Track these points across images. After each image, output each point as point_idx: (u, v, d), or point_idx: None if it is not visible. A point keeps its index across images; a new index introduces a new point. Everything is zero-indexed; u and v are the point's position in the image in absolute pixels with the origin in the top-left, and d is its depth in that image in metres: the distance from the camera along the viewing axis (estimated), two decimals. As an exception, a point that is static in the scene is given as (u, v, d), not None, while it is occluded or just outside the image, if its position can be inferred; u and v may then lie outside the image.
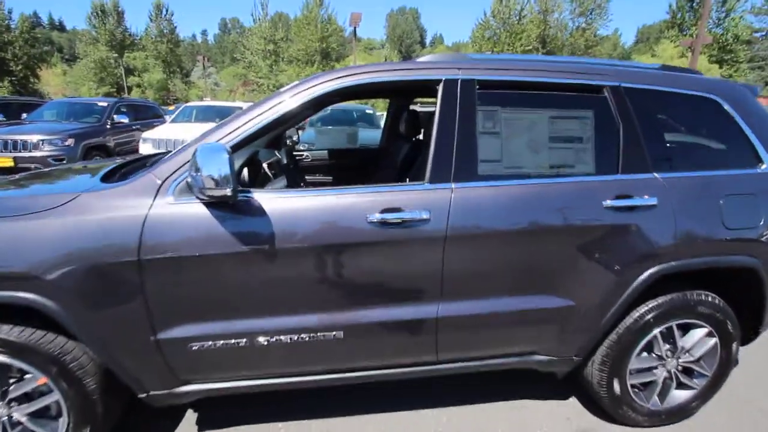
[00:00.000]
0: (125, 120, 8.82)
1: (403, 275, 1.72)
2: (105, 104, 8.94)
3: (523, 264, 1.80)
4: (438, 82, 1.78)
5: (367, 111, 9.68)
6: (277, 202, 1.64)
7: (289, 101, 1.71)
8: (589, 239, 1.82)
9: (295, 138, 3.84)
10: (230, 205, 1.60)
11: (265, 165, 2.41)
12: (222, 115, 8.75)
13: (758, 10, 30.11)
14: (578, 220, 1.80)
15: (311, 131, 6.36)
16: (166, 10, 40.93)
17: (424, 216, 1.67)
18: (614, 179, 1.87)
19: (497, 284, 1.81)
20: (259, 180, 2.30)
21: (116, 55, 40.02)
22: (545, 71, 1.85)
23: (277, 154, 2.38)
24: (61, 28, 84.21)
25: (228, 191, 1.46)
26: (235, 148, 1.69)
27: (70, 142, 7.50)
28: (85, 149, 7.71)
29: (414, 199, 1.70)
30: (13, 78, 35.27)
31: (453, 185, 1.73)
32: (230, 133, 1.66)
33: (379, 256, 1.68)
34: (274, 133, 3.26)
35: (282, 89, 1.77)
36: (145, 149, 7.99)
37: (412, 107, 3.40)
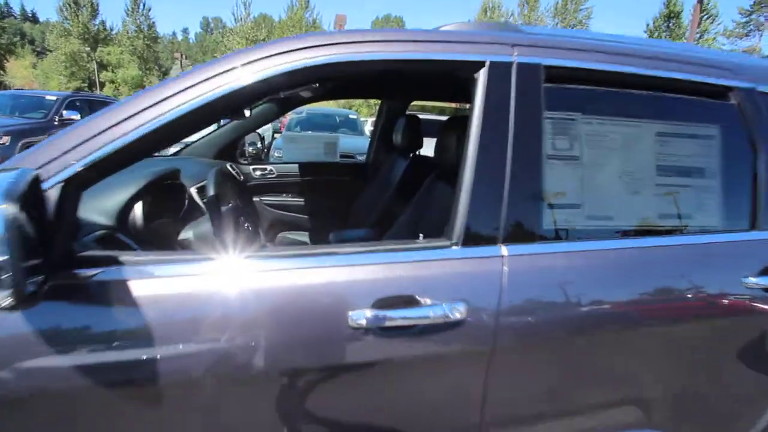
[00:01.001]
0: (76, 117, 7.75)
1: (410, 416, 0.94)
2: (54, 98, 7.87)
3: (612, 385, 1.05)
4: (477, 66, 1.01)
5: (351, 116, 8.91)
6: (162, 286, 0.84)
7: (207, 84, 0.91)
8: (720, 339, 1.09)
9: (259, 145, 3.01)
10: (69, 292, 0.79)
11: (193, 190, 1.60)
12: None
13: (730, 32, 30.74)
14: (706, 309, 1.07)
15: (280, 139, 5.46)
16: (143, 5, 39.41)
17: (456, 313, 0.89)
18: (754, 240, 1.14)
19: (568, 420, 1.05)
20: (183, 215, 1.49)
21: (89, 49, 38.40)
22: (648, 59, 1.10)
23: (224, 169, 1.56)
24: (33, 19, 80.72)
25: (6, 297, 0.64)
26: (110, 168, 0.89)
27: (6, 140, 6.48)
28: (23, 148, 6.68)
29: (434, 278, 0.92)
30: (-25, 68, 33.22)
31: (504, 249, 0.96)
32: (89, 140, 0.85)
33: (368, 389, 0.90)
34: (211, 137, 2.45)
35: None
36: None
37: (408, 113, 2.65)
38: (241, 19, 35.93)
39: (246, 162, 2.71)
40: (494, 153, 0.98)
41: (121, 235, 1.08)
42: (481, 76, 1.00)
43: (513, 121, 0.99)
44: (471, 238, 0.96)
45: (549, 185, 1.00)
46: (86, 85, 37.93)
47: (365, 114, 19.45)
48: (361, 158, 5.37)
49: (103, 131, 0.86)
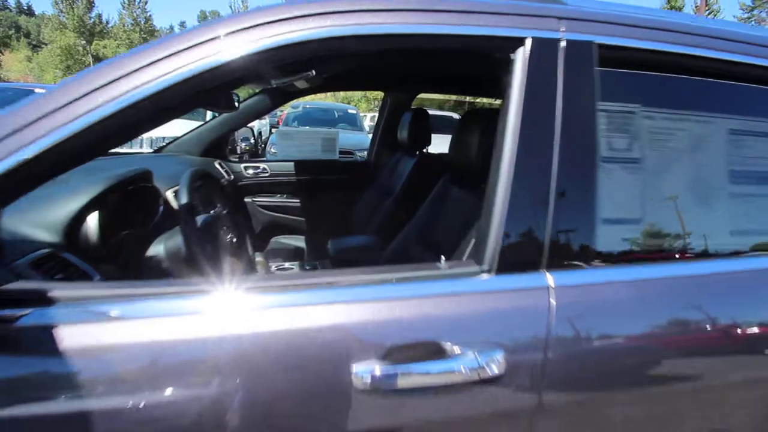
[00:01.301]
0: (66, 110, 7.51)
1: None
2: (43, 91, 7.62)
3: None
4: (515, 43, 0.79)
5: (350, 111, 8.66)
6: (116, 331, 0.63)
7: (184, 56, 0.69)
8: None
9: (251, 141, 2.80)
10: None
11: (169, 194, 1.38)
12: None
13: (736, 27, 30.53)
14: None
15: (275, 135, 5.23)
16: (140, -1, 39.11)
17: (492, 366, 0.68)
18: None
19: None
20: (155, 225, 1.27)
21: (85, 42, 38.09)
22: (728, 41, 0.89)
23: (203, 171, 1.35)
24: (29, 12, 79.87)
25: None
26: (45, 171, 0.68)
27: (-9, 134, 6.22)
28: (10, 143, 6.42)
29: (463, 318, 0.71)
30: (-31, 61, 32.96)
31: (550, 278, 0.75)
32: (13, 135, 0.64)
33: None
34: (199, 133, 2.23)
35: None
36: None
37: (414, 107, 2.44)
38: (238, 11, 35.60)
39: (237, 160, 2.49)
40: (537, 155, 0.77)
41: (68, 254, 0.87)
42: (520, 57, 0.79)
43: (560, 114, 0.78)
44: (507, 264, 0.75)
45: (605, 195, 0.79)
46: (82, 78, 37.54)
47: (364, 109, 19.14)
48: (361, 155, 5.15)
49: (33, 122, 0.65)
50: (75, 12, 36.66)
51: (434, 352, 0.67)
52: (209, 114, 6.21)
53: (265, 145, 6.97)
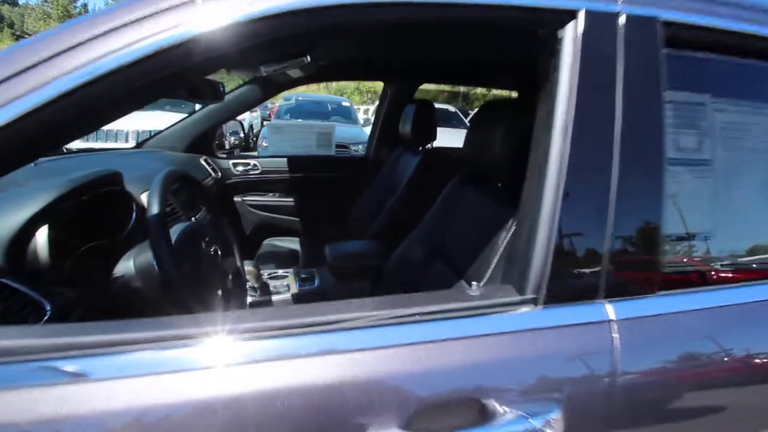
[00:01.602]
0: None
1: None
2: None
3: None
4: (565, 17, 0.63)
5: (344, 103, 8.44)
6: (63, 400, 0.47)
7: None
8: None
9: (241, 135, 2.62)
10: None
11: (144, 197, 1.22)
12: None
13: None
14: None
15: (266, 128, 5.01)
16: (127, -13, 38.38)
17: (549, 430, 0.53)
18: None
19: None
20: (127, 236, 1.10)
21: (69, 32, 37.41)
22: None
23: (180, 174, 1.15)
24: (12, 2, 77.95)
25: None
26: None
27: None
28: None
29: (507, 365, 0.56)
30: (-51, 52, 32.29)
31: (610, 309, 0.60)
32: None
33: None
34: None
35: None
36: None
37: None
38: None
39: (225, 155, 2.31)
40: (593, 156, 0.62)
41: (9, 280, 0.71)
42: (570, 35, 0.63)
43: (621, 106, 0.63)
44: (558, 292, 0.60)
45: (675, 205, 0.64)
46: (67, 70, 36.92)
47: (357, 101, 18.88)
48: (356, 149, 4.97)
49: None
50: (60, 2, 35.90)
51: (473, 414, 0.52)
52: (198, 105, 5.98)
53: (257, 138, 6.76)
